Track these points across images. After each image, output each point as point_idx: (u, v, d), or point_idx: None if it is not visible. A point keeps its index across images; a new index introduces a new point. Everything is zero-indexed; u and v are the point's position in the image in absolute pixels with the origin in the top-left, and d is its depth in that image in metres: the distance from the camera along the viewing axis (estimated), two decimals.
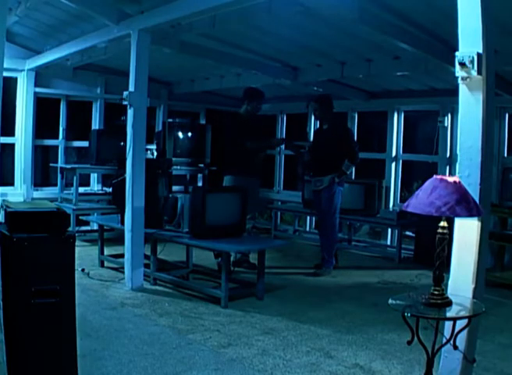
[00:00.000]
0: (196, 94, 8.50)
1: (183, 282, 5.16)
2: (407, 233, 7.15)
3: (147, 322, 4.15)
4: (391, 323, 4.03)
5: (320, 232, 6.20)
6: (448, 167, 6.82)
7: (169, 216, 5.24)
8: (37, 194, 7.53)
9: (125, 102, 4.87)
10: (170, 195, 5.45)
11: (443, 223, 2.29)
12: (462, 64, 2.49)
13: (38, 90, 7.42)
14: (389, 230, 7.47)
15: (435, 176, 2.31)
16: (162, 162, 6.39)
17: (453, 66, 5.17)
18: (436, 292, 2.34)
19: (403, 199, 7.83)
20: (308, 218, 8.46)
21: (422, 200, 2.21)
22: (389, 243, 7.53)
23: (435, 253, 2.31)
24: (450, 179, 2.26)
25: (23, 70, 7.29)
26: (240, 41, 5.81)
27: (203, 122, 9.03)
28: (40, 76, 7.42)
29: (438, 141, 6.86)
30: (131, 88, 4.90)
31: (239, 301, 4.72)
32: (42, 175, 8.07)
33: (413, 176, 8.89)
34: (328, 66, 6.31)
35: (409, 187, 8.56)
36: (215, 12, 4.46)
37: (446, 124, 6.77)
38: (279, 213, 8.69)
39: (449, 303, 2.35)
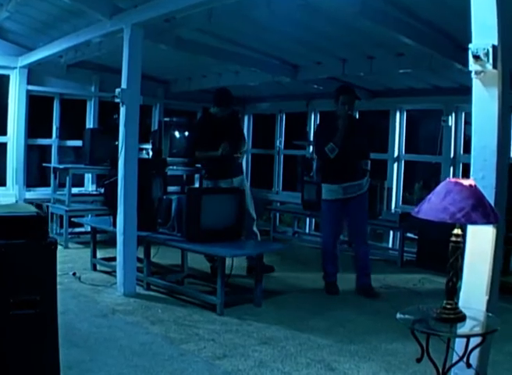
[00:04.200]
0: (193, 93, 8.30)
1: (177, 287, 4.96)
2: (409, 234, 6.96)
3: (139, 330, 3.95)
4: (394, 331, 3.83)
5: (359, 244, 5.33)
6: (452, 168, 6.63)
7: (163, 218, 5.04)
8: (29, 194, 7.36)
9: (117, 100, 4.68)
10: (164, 197, 5.24)
11: (457, 231, 2.09)
12: (476, 57, 2.30)
13: (31, 88, 7.22)
14: (391, 232, 7.28)
15: (448, 178, 2.11)
16: (157, 162, 6.20)
17: (459, 62, 4.99)
18: (449, 306, 2.14)
19: (406, 200, 7.66)
20: (308, 219, 8.28)
21: (435, 205, 2.00)
22: (390, 245, 7.34)
23: (447, 263, 2.11)
24: (465, 182, 2.05)
25: (16, 68, 7.11)
26: (238, 37, 5.62)
27: None
28: (33, 73, 7.23)
29: (441, 141, 6.69)
30: (123, 85, 4.70)
31: (235, 308, 4.52)
32: (38, 175, 7.89)
33: (414, 177, 8.71)
34: (328, 63, 6.11)
35: (410, 188, 8.39)
36: (211, 6, 4.27)
37: (450, 124, 6.60)
38: (277, 214, 8.51)
39: (463, 318, 2.15)
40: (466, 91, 6.34)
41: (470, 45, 2.35)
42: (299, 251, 7.21)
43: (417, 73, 5.98)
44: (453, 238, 2.11)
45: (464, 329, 2.13)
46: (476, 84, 2.38)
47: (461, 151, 6.65)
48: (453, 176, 6.57)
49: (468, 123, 6.72)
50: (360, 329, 4.14)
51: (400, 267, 6.45)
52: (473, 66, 2.34)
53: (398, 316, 2.18)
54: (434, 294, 5.16)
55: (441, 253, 5.80)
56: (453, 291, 2.14)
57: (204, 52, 5.94)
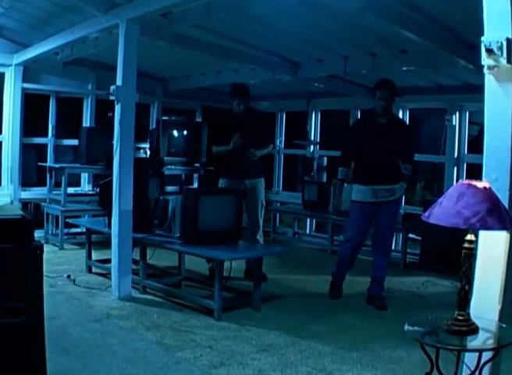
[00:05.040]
0: (192, 91, 8.17)
1: (174, 291, 4.81)
2: (411, 235, 6.81)
3: (133, 336, 3.80)
4: (398, 337, 3.67)
5: (379, 253, 4.91)
6: (456, 168, 6.49)
7: (160, 219, 4.89)
8: (25, 194, 7.23)
9: (112, 97, 4.53)
10: (161, 197, 5.09)
11: (470, 237, 1.94)
12: (489, 51, 2.15)
13: (26, 86, 7.08)
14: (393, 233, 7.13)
15: (461, 181, 1.96)
16: (154, 162, 6.04)
17: (464, 59, 4.83)
18: (461, 317, 1.99)
19: (408, 201, 7.50)
20: (308, 220, 8.13)
21: (447, 209, 1.85)
22: (393, 247, 7.18)
23: (460, 271, 1.96)
24: (480, 184, 1.89)
25: (11, 65, 6.97)
26: (237, 33, 5.46)
27: (199, 120, 8.70)
28: (29, 71, 7.08)
29: (445, 140, 6.54)
30: (118, 82, 4.55)
31: (234, 312, 4.37)
32: (34, 175, 7.74)
33: (416, 177, 8.56)
34: (330, 60, 5.96)
35: (412, 188, 8.23)
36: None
37: (453, 123, 6.45)
38: (277, 215, 8.37)
39: (475, 330, 2.00)
40: (470, 89, 6.19)
41: (482, 38, 2.20)
42: (299, 253, 7.07)
43: (421, 70, 5.84)
44: (466, 245, 1.96)
45: (476, 342, 1.98)
46: (489, 80, 2.23)
47: (465, 151, 6.50)
48: (457, 176, 6.43)
49: (472, 122, 6.59)
50: (363, 335, 3.99)
51: (403, 270, 6.30)
52: (486, 60, 2.18)
53: (406, 327, 2.03)
54: (438, 298, 5.03)
55: (445, 255, 5.66)
56: (465, 301, 1.99)
57: (203, 49, 5.78)
